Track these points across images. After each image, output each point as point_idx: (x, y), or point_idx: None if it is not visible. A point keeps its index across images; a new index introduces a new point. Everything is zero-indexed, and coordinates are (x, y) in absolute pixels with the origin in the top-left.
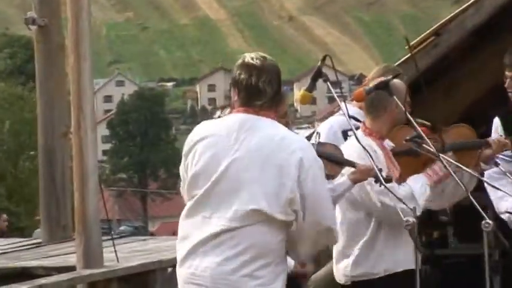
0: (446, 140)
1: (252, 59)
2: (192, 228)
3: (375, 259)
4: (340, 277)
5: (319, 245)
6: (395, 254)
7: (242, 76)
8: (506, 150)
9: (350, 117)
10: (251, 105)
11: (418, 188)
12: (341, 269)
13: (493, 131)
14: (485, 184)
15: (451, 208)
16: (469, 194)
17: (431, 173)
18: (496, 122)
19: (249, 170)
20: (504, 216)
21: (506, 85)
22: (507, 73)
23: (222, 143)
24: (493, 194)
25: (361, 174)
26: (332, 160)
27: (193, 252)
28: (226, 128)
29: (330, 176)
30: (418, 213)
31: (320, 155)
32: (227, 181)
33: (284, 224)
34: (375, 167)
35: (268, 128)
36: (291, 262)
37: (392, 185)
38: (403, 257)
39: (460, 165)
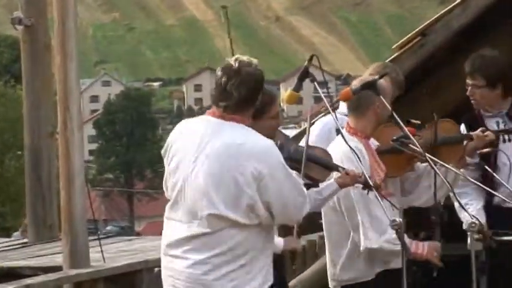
0: (431, 135)
1: (235, 60)
2: (168, 230)
3: (363, 264)
4: (330, 282)
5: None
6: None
7: (218, 75)
8: (488, 143)
9: (344, 114)
10: (218, 106)
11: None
12: (331, 274)
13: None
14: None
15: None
16: (454, 193)
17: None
18: (462, 129)
19: (209, 176)
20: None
21: (468, 93)
22: (468, 81)
23: (187, 148)
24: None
25: (349, 179)
26: (320, 164)
27: (168, 254)
28: (193, 132)
29: (316, 180)
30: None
31: (308, 158)
32: (190, 188)
33: (254, 227)
34: (364, 173)
35: (230, 132)
36: (280, 243)
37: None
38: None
39: (444, 163)
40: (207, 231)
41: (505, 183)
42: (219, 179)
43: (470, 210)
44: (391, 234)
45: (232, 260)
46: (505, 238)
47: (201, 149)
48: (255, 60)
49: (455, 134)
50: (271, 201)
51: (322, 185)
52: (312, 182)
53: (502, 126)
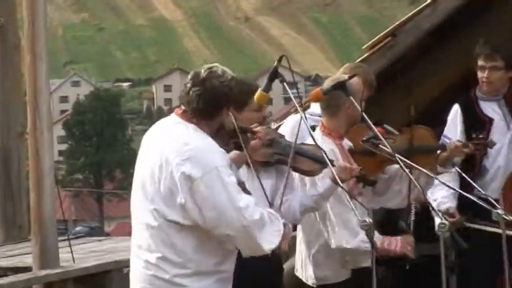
0: (405, 141)
1: (207, 69)
2: (133, 231)
3: (336, 263)
4: (307, 278)
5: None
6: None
7: (188, 78)
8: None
9: (318, 115)
10: (182, 106)
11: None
12: (305, 274)
13: (450, 118)
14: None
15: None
16: (425, 195)
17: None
18: (455, 109)
19: (150, 171)
20: (434, 205)
21: (485, 75)
22: (483, 63)
23: (144, 150)
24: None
25: (343, 173)
26: (311, 158)
27: (132, 254)
28: (155, 129)
29: (308, 172)
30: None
31: (297, 152)
32: (136, 183)
33: (199, 233)
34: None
35: (180, 131)
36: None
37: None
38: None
39: (416, 165)
40: (152, 229)
41: (479, 188)
42: (158, 174)
43: (441, 195)
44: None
45: (178, 265)
46: (474, 225)
47: (152, 145)
48: (228, 73)
49: (429, 143)
50: (201, 207)
51: (318, 182)
52: (304, 175)
53: (498, 111)
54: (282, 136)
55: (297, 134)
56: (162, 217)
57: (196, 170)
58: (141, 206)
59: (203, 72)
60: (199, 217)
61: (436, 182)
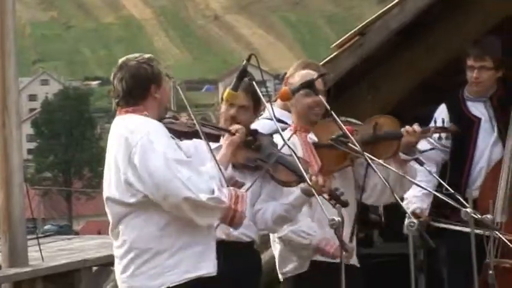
0: (368, 131)
1: (124, 58)
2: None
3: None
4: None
5: (209, 219)
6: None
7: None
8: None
9: (277, 120)
10: (116, 105)
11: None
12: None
13: (435, 117)
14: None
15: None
16: (394, 193)
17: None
18: (442, 108)
19: (105, 173)
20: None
21: (474, 75)
22: (473, 64)
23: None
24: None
25: (316, 186)
26: (290, 169)
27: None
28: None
29: (285, 183)
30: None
31: (279, 161)
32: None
33: (157, 211)
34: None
35: (121, 125)
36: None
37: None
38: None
39: (384, 163)
40: (114, 221)
41: (447, 186)
42: (108, 167)
43: (411, 194)
44: (301, 226)
45: (142, 252)
46: (440, 224)
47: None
48: (146, 55)
49: (388, 130)
50: (139, 169)
51: (290, 198)
52: (280, 185)
53: (484, 112)
54: (272, 142)
55: (282, 145)
56: (118, 206)
57: (130, 141)
58: (107, 202)
59: (120, 60)
60: (141, 186)
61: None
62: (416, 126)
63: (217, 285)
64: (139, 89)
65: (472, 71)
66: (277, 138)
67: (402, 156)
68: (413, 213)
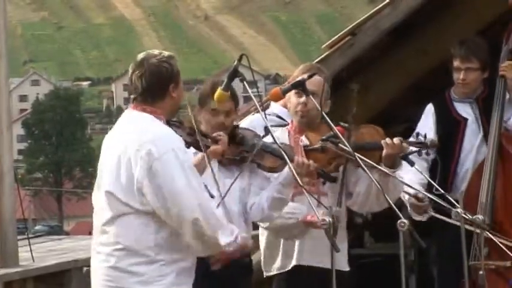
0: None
1: (145, 53)
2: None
3: (283, 255)
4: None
5: (206, 247)
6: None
7: (129, 69)
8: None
9: (275, 116)
10: (132, 100)
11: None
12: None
13: (423, 117)
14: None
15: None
16: (384, 193)
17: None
18: (429, 108)
19: (111, 166)
20: (402, 196)
21: (460, 76)
22: (459, 65)
23: (105, 148)
24: None
25: (299, 168)
26: (273, 154)
27: (92, 251)
28: (116, 127)
29: (272, 169)
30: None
31: (262, 148)
32: (101, 184)
33: (158, 220)
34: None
35: (135, 122)
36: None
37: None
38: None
39: (375, 164)
40: (109, 217)
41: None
42: (117, 164)
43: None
44: (284, 210)
45: (136, 253)
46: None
47: (112, 142)
48: (166, 53)
49: (369, 141)
50: (159, 183)
51: (278, 179)
52: (269, 172)
53: (471, 113)
54: (257, 135)
55: (264, 135)
56: (121, 205)
57: (154, 152)
58: (102, 200)
59: (140, 56)
60: (156, 200)
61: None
62: (396, 140)
63: None
64: (159, 87)
65: (458, 72)
66: (268, 137)
67: (383, 169)
68: (416, 197)
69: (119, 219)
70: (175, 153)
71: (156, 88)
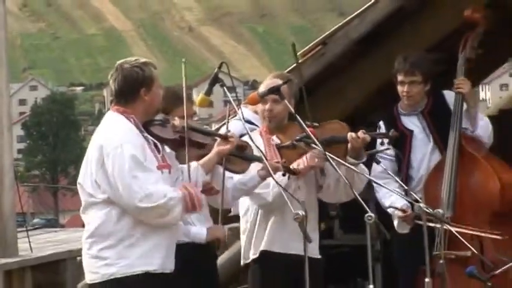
0: (320, 136)
1: (123, 60)
2: None
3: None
4: None
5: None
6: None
7: None
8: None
9: (246, 121)
10: (111, 102)
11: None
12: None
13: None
14: (373, 182)
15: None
16: (352, 188)
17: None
18: (380, 125)
19: (85, 161)
20: (389, 210)
21: (404, 89)
22: (403, 79)
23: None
24: (379, 191)
25: (269, 170)
26: (241, 157)
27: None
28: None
29: (240, 172)
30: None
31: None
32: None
33: (119, 208)
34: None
35: (104, 122)
36: (202, 233)
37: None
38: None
39: (344, 162)
40: (82, 207)
41: (403, 184)
42: (87, 158)
43: (392, 198)
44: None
45: (102, 239)
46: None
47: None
48: (142, 60)
49: (335, 135)
50: (109, 175)
51: (246, 177)
52: (237, 173)
53: (418, 124)
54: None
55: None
56: (87, 196)
57: (104, 147)
58: (79, 186)
59: (118, 62)
60: (109, 190)
61: (384, 191)
62: (360, 133)
63: (169, 282)
64: (130, 91)
65: (402, 85)
66: (246, 137)
67: (350, 160)
68: (401, 209)
69: (89, 208)
70: (122, 148)
71: (126, 91)
